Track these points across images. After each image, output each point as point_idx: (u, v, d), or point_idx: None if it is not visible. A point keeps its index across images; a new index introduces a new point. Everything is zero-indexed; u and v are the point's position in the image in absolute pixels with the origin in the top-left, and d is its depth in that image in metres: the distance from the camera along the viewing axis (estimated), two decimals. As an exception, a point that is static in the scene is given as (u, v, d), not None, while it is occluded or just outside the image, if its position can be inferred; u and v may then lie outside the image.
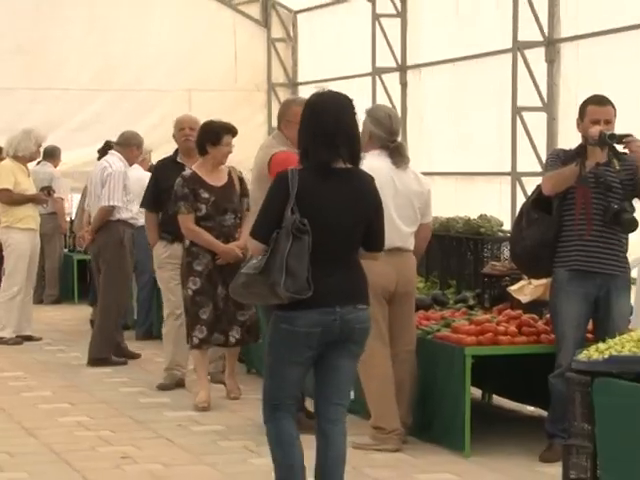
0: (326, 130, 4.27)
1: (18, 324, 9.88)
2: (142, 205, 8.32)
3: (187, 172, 7.35)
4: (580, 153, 6.02)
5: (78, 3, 15.27)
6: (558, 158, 6.29)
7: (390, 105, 11.90)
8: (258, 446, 6.12)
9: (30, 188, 9.82)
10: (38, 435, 6.73)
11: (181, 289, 7.19)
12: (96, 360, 8.74)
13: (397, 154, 6.55)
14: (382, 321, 6.37)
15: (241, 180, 7.62)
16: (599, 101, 6.20)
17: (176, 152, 8.08)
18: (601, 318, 6.10)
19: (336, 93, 4.63)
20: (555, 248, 6.22)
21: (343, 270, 4.30)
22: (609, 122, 6.01)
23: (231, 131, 7.15)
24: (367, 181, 4.61)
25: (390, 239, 5.65)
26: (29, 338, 9.96)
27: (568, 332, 6.18)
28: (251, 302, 6.00)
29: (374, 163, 5.98)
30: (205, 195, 7.09)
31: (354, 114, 4.48)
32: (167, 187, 7.50)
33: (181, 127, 7.98)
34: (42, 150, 10.46)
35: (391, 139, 6.57)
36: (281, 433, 4.42)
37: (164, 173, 8.01)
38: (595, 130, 5.85)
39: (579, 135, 6.09)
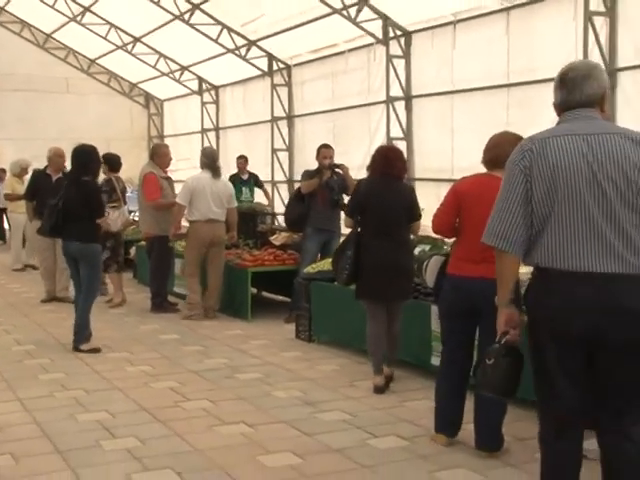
0: None
1: None
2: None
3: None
4: (318, 172, 10.16)
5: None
6: (307, 174, 10.37)
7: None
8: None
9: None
10: None
11: None
12: None
13: (214, 172, 10.66)
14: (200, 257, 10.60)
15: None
16: (327, 146, 10.39)
17: (46, 167, 12.33)
18: (326, 251, 9.85)
19: None
20: (307, 218, 10.10)
21: None
22: (332, 157, 10.20)
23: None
24: None
25: (207, 214, 10.30)
26: None
27: (306, 259, 10.05)
28: None
29: (201, 176, 10.53)
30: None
31: None
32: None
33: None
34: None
35: (212, 165, 10.66)
36: None
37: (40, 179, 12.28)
38: (326, 161, 10.08)
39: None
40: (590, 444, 4.32)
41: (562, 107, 3.89)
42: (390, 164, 7.25)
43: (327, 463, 5.37)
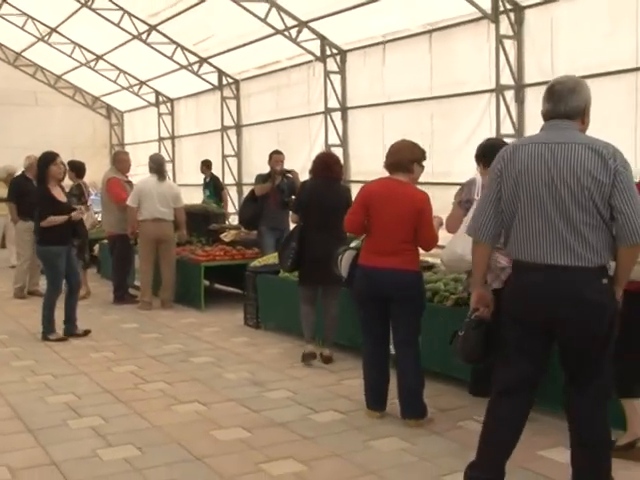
0: None
1: None
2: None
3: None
4: (270, 176, 10.34)
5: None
6: (260, 178, 10.50)
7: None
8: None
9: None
10: None
11: None
12: None
13: (160, 175, 10.57)
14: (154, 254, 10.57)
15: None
16: (278, 152, 10.57)
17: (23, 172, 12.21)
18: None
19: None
20: (260, 217, 10.26)
21: None
22: (282, 162, 10.40)
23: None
24: None
25: (154, 214, 10.22)
26: None
27: (266, 251, 10.07)
28: None
29: (148, 179, 10.46)
30: None
31: None
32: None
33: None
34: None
35: (158, 169, 10.66)
36: None
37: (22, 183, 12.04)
38: (277, 167, 10.29)
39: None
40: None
41: (546, 117, 3.97)
42: (329, 168, 7.52)
43: (272, 436, 5.42)
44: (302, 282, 7.53)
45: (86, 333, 8.85)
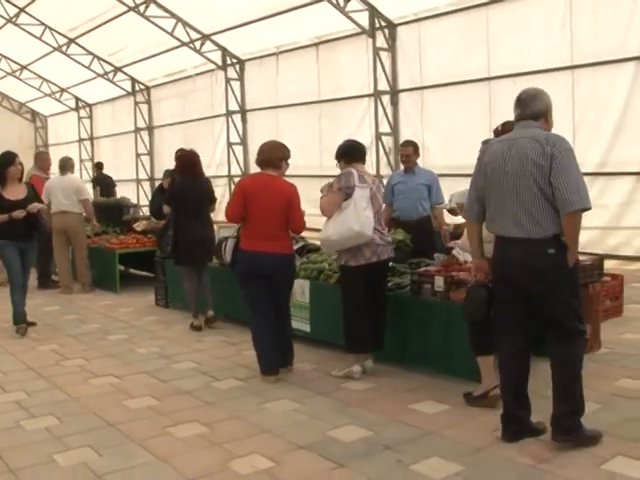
0: None
1: None
2: None
3: None
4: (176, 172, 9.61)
5: None
6: (168, 172, 9.41)
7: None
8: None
9: None
10: None
11: None
12: None
13: (63, 171, 10.13)
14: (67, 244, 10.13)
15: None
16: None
17: None
18: None
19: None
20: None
21: None
22: None
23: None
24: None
25: (59, 206, 9.84)
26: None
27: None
28: None
29: (55, 177, 10.06)
30: None
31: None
32: None
33: None
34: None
35: (63, 166, 10.11)
36: None
37: None
38: None
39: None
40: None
41: (516, 119, 4.24)
42: (194, 165, 7.73)
43: (179, 403, 5.31)
44: (181, 263, 7.74)
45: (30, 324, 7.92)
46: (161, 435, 4.67)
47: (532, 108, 4.18)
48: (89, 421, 4.97)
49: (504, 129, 5.18)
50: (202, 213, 7.65)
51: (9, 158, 7.73)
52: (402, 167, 8.26)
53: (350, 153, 5.75)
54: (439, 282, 5.44)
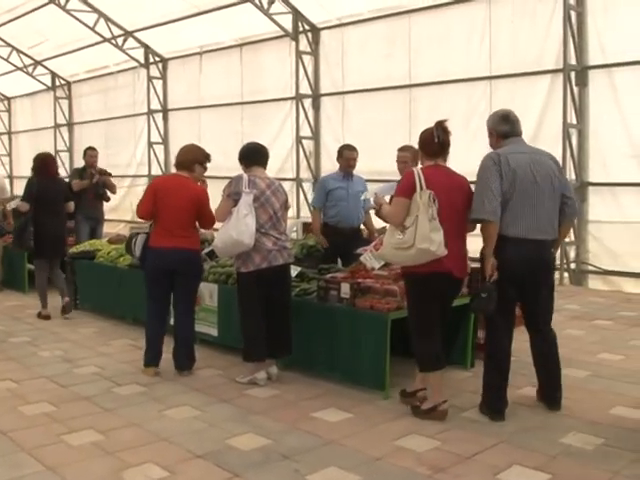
0: None
1: None
2: None
3: None
4: (85, 170, 9.84)
5: None
6: (76, 171, 9.95)
7: None
8: None
9: None
10: None
11: None
12: None
13: None
14: None
15: None
16: (92, 148, 10.08)
17: None
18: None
19: None
20: (77, 207, 9.22)
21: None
22: (96, 157, 10.00)
23: None
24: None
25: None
26: None
27: (81, 239, 9.59)
28: None
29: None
30: None
31: None
32: None
33: None
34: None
35: None
36: None
37: None
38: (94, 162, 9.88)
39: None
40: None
41: (508, 134, 4.80)
42: (52, 165, 8.35)
43: (76, 409, 5.11)
44: (40, 256, 8.13)
45: None
46: (54, 443, 4.47)
47: (519, 127, 4.85)
48: (-22, 429, 4.73)
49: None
50: (58, 211, 8.15)
51: None
52: (338, 171, 7.68)
53: (248, 156, 5.71)
54: (345, 289, 5.40)
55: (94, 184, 9.92)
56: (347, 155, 7.56)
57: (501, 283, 4.60)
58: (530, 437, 4.47)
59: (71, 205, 8.43)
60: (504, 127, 4.81)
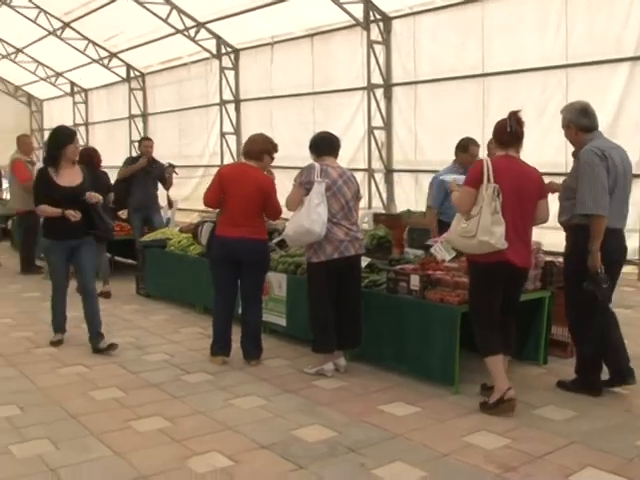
0: None
1: None
2: None
3: None
4: (137, 160, 9.86)
5: None
6: (129, 160, 10.03)
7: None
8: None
9: None
10: None
11: None
12: None
13: None
14: None
15: None
16: (148, 138, 10.20)
17: None
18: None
19: None
20: (128, 197, 9.79)
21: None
22: (152, 147, 9.96)
23: None
24: None
25: None
26: None
27: (134, 230, 9.77)
28: None
29: None
30: None
31: None
32: None
33: None
34: None
35: None
36: None
37: None
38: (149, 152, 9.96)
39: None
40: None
41: (590, 128, 4.87)
42: (92, 158, 8.35)
43: (145, 395, 5.18)
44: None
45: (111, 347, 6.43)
46: (122, 429, 4.53)
47: (597, 120, 4.93)
48: (51, 412, 4.83)
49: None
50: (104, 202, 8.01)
51: (68, 134, 6.25)
52: (455, 165, 7.11)
53: (318, 146, 5.64)
54: (415, 280, 5.29)
55: (144, 172, 9.82)
56: (474, 151, 7.04)
57: (586, 272, 4.74)
58: (605, 438, 4.30)
59: (111, 196, 8.63)
60: (585, 120, 4.86)
